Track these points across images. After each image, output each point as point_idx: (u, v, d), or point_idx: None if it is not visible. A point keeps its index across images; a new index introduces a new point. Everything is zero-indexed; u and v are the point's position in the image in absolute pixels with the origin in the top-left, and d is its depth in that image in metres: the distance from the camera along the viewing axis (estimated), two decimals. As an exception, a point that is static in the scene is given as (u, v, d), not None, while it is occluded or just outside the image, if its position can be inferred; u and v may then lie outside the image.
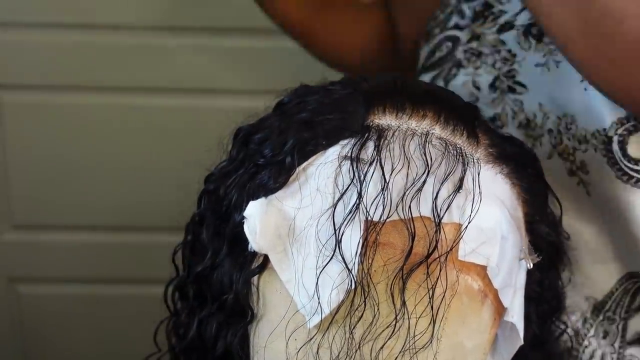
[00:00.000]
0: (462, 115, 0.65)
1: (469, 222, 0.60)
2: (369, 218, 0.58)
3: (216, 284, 0.66)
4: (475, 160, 0.63)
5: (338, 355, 0.58)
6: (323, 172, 0.61)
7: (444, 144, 0.62)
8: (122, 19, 1.51)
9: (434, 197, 0.59)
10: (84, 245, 1.67)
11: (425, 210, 0.59)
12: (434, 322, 0.59)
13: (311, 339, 0.59)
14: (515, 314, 0.65)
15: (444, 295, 0.59)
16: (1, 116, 1.57)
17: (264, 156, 0.65)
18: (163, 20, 1.52)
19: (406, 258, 0.58)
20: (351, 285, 0.58)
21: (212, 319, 0.68)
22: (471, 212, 0.60)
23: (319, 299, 0.58)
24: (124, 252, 1.67)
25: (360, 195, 0.59)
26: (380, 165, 0.60)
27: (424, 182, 0.59)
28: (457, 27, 0.89)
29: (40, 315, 1.73)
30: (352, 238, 0.58)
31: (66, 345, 1.74)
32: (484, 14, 0.87)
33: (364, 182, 0.59)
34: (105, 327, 1.73)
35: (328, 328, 0.58)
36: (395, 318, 0.58)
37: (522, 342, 0.66)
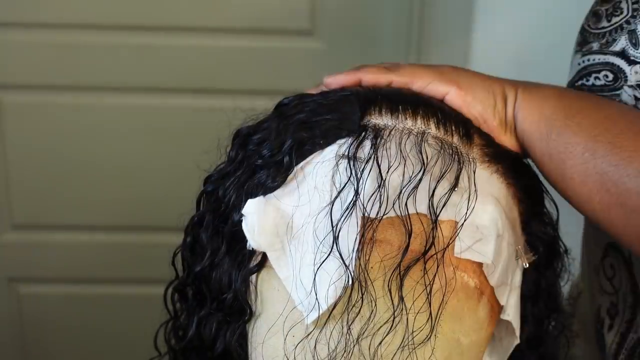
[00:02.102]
0: (456, 116, 0.66)
1: (464, 220, 0.60)
2: (366, 215, 0.59)
3: (215, 283, 0.67)
4: (471, 159, 0.64)
5: (335, 350, 0.59)
6: (320, 170, 0.62)
7: (440, 143, 0.63)
8: (122, 19, 1.52)
9: (430, 194, 0.60)
10: (84, 245, 1.68)
11: (422, 207, 0.60)
12: (432, 319, 0.59)
13: (309, 335, 0.59)
14: (512, 313, 0.65)
15: (443, 292, 0.60)
16: (1, 116, 1.57)
17: (262, 157, 0.66)
18: (163, 20, 1.52)
19: (403, 255, 0.59)
20: (348, 281, 0.58)
21: (211, 318, 0.68)
22: (467, 210, 0.60)
23: (316, 295, 0.58)
24: (123, 252, 1.68)
25: (357, 193, 0.59)
26: (377, 163, 0.60)
27: (420, 179, 0.60)
28: (624, 55, 0.71)
29: (40, 315, 1.73)
30: (349, 234, 0.59)
31: (66, 345, 1.75)
32: None
33: (361, 180, 0.60)
34: (105, 327, 1.73)
35: (325, 324, 0.59)
36: (393, 314, 0.58)
37: (518, 341, 0.67)
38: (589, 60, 0.74)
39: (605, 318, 0.79)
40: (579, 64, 0.75)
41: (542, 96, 0.67)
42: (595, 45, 0.74)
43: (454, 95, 0.67)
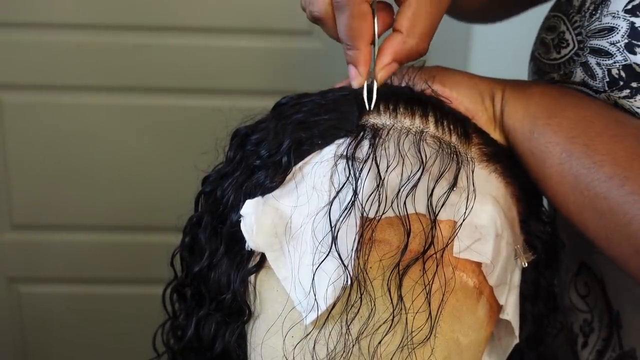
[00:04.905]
0: (455, 115, 0.66)
1: (463, 220, 0.60)
2: (365, 214, 0.59)
3: (214, 283, 0.67)
4: (469, 159, 0.64)
5: (334, 350, 0.59)
6: (319, 170, 0.62)
7: (438, 142, 0.63)
8: (122, 19, 1.52)
9: (429, 194, 0.60)
10: (84, 245, 1.68)
11: (421, 207, 0.60)
12: (431, 318, 0.59)
13: (308, 335, 0.59)
14: (511, 312, 0.65)
15: (442, 292, 0.60)
16: (1, 116, 1.57)
17: (261, 157, 0.66)
18: (163, 20, 1.53)
19: (402, 254, 0.59)
20: (347, 281, 0.58)
21: (210, 319, 0.68)
22: (465, 210, 0.60)
23: (315, 295, 0.58)
24: (123, 252, 1.68)
25: (355, 193, 0.59)
26: (376, 163, 0.60)
27: (419, 179, 0.60)
28: (586, 85, 0.70)
29: (40, 315, 1.73)
30: (348, 235, 0.59)
31: (66, 345, 1.75)
32: (628, 83, 0.67)
33: (360, 180, 0.60)
34: (104, 326, 1.74)
35: (324, 324, 0.59)
36: (393, 314, 0.58)
37: (517, 340, 0.67)
38: None
39: (579, 335, 0.79)
40: None
41: (528, 94, 0.67)
42: (556, 76, 0.73)
43: (437, 92, 0.68)
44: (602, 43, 0.68)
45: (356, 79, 0.63)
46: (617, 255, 0.62)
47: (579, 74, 0.70)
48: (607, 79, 0.68)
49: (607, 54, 0.67)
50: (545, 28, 0.76)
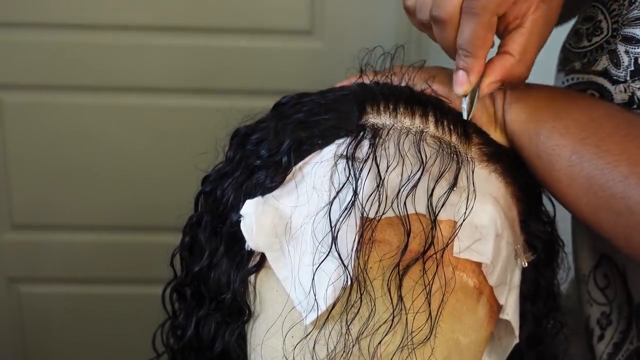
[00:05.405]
0: (454, 114, 0.66)
1: (463, 220, 0.60)
2: (365, 215, 0.59)
3: (213, 283, 0.67)
4: (469, 159, 0.64)
5: (335, 350, 0.59)
6: (319, 170, 0.62)
7: (438, 142, 0.63)
8: (122, 19, 1.52)
9: (429, 194, 0.60)
10: (84, 245, 1.68)
11: (421, 207, 0.60)
12: (431, 319, 0.59)
13: (308, 335, 0.59)
14: (511, 312, 0.65)
15: (443, 292, 0.60)
16: (1, 116, 1.57)
17: (261, 157, 0.66)
18: (163, 20, 1.52)
19: (402, 254, 0.59)
20: (347, 281, 0.58)
21: (210, 319, 0.68)
22: (466, 210, 0.60)
23: (315, 295, 0.58)
24: (123, 252, 1.68)
25: (355, 193, 0.59)
26: (376, 163, 0.61)
27: (419, 179, 0.60)
28: (607, 74, 0.70)
29: (40, 315, 1.73)
30: (348, 235, 0.59)
31: (66, 345, 1.75)
32: None
33: (360, 180, 0.60)
34: (104, 326, 1.73)
35: (324, 324, 0.59)
36: (393, 314, 0.58)
37: (517, 340, 0.67)
38: (573, 79, 0.74)
39: (595, 328, 0.79)
40: (563, 83, 0.75)
41: (531, 97, 0.67)
42: (577, 65, 0.74)
43: (437, 92, 0.68)
44: (636, 31, 0.68)
45: (463, 86, 0.64)
46: (638, 253, 0.62)
47: (602, 62, 0.71)
48: (632, 68, 0.68)
49: (638, 42, 0.68)
50: (581, 19, 0.76)
